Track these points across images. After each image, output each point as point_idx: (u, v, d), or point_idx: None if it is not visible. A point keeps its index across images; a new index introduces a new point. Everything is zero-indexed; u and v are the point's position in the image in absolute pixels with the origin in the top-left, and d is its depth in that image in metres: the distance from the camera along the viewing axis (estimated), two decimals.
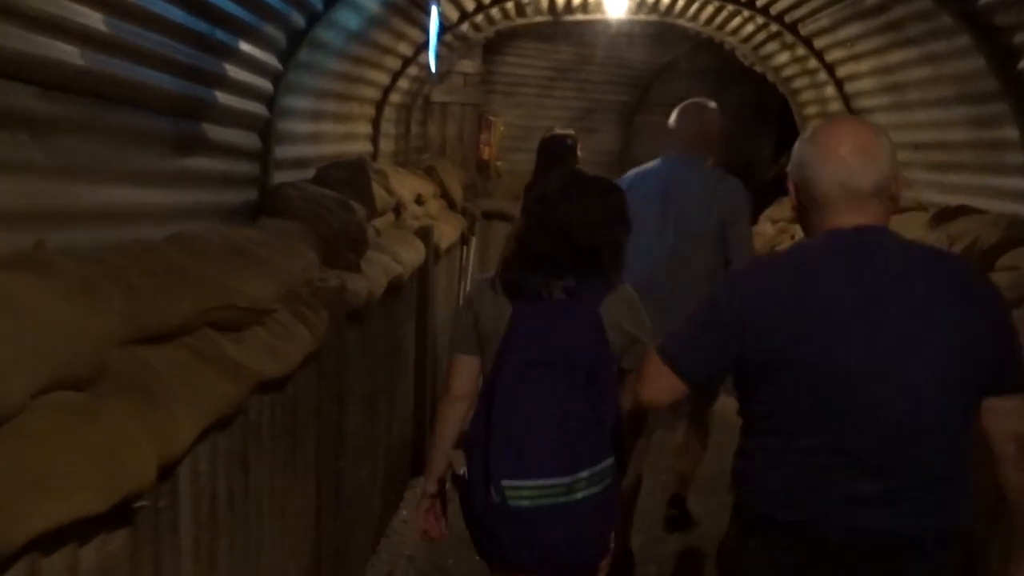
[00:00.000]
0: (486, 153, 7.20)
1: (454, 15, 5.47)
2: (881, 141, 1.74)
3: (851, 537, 1.71)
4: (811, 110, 5.75)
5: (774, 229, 6.05)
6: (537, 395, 2.17)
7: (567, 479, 2.14)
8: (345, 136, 4.51)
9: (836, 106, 5.23)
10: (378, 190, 4.02)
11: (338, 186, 3.59)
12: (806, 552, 1.75)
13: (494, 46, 7.04)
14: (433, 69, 4.50)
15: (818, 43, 4.92)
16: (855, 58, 4.60)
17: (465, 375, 2.37)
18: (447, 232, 5.30)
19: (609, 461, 2.22)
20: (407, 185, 4.75)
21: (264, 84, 3.18)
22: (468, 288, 6.40)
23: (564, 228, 2.22)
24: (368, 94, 4.80)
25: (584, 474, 2.16)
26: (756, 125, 8.78)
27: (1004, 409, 1.73)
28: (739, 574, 1.93)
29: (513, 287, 2.27)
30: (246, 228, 2.78)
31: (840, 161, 1.72)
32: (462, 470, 2.26)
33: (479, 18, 5.77)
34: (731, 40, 5.95)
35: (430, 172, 5.99)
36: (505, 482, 2.13)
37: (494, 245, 7.53)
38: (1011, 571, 1.76)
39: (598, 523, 2.27)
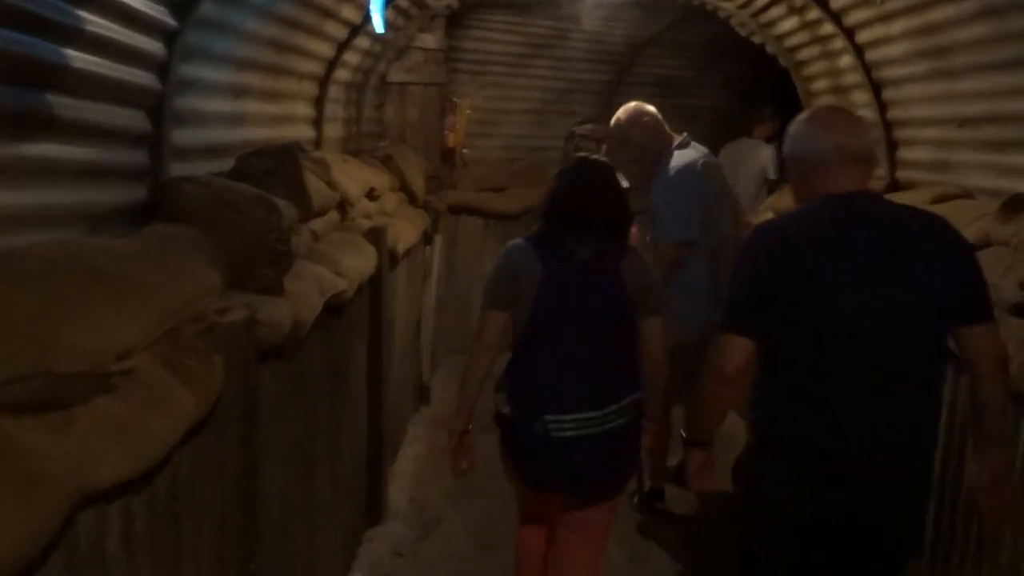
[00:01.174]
0: (451, 139, 6.43)
1: None
2: (865, 121, 2.15)
3: (848, 449, 2.11)
4: (820, 84, 5.05)
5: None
6: (571, 343, 2.57)
7: (599, 412, 2.54)
8: (278, 118, 3.73)
9: (854, 78, 4.53)
10: (316, 183, 3.25)
11: (261, 179, 2.83)
12: (811, 462, 2.12)
13: (459, 18, 6.26)
14: (380, 29, 3.73)
15: (835, 3, 4.21)
16: (884, 19, 3.89)
17: (497, 328, 2.67)
18: (406, 231, 4.53)
19: (634, 396, 2.64)
20: (356, 177, 3.97)
21: (151, 45, 2.39)
22: (434, 294, 5.65)
23: (593, 196, 2.66)
24: (308, 68, 4.01)
25: (613, 408, 2.56)
26: (749, 105, 8.07)
27: (979, 333, 2.11)
28: (754, 484, 2.26)
29: (548, 247, 2.63)
30: (115, 238, 2.00)
31: (837, 127, 2.14)
32: (505, 410, 2.65)
33: None
34: (727, 6, 5.22)
35: (387, 162, 5.21)
36: (548, 417, 2.52)
37: (463, 243, 6.77)
38: (974, 467, 2.18)
39: (626, 449, 2.67)
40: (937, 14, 3.43)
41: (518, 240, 2.73)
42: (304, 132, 4.13)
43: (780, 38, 5.15)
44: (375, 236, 3.65)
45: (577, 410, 2.54)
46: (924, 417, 2.20)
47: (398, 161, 5.28)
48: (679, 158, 3.85)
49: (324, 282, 2.72)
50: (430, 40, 5.99)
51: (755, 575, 2.32)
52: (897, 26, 3.85)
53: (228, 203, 2.38)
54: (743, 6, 5.13)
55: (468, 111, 6.49)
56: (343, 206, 3.63)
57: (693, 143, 4.00)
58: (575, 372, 2.58)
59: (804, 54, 5.03)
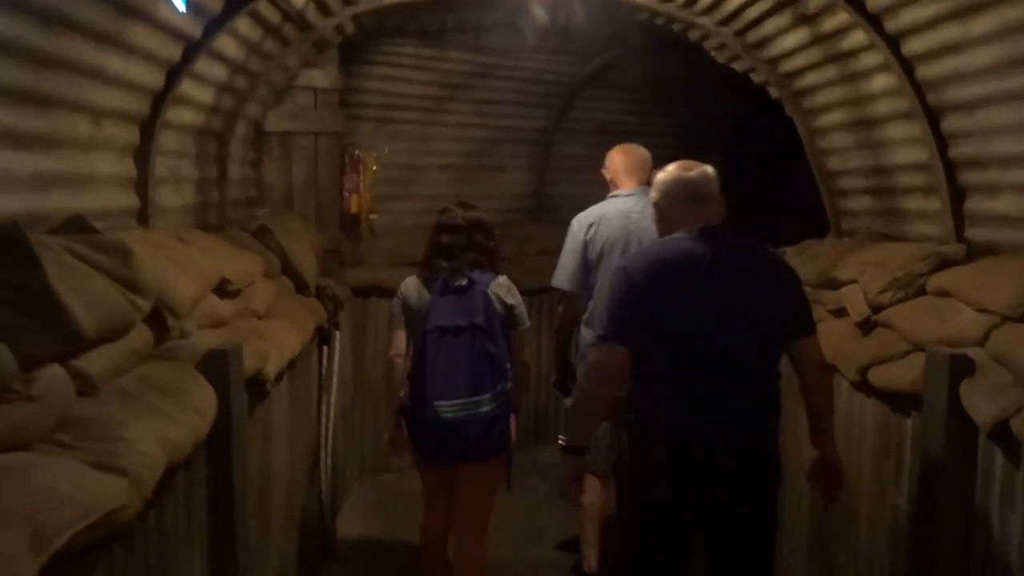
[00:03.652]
0: (354, 204, 5.04)
1: None
2: (710, 171, 2.68)
3: (706, 441, 2.52)
4: (833, 118, 3.87)
5: None
6: (451, 348, 3.28)
7: (473, 398, 3.26)
8: (52, 179, 2.29)
9: (892, 105, 3.36)
10: (95, 287, 1.84)
11: None
12: (675, 452, 2.54)
13: (357, 51, 4.93)
14: (180, 7, 2.33)
15: (873, 3, 3.05)
16: (959, 15, 2.72)
17: (402, 341, 3.42)
18: (285, 338, 3.10)
19: (500, 386, 3.33)
20: (195, 267, 2.55)
21: None
22: (335, 372, 4.23)
23: (466, 231, 3.40)
24: (112, 102, 2.59)
25: (485, 396, 3.27)
26: (697, 153, 6.96)
27: (804, 344, 2.64)
28: (630, 472, 2.68)
29: (432, 279, 3.36)
30: None
31: (688, 180, 2.66)
32: (407, 402, 3.36)
33: None
34: (703, 23, 4.04)
35: (262, 236, 3.79)
36: (436, 403, 3.25)
37: (374, 332, 5.34)
38: (809, 453, 2.74)
39: (496, 427, 3.32)
40: None
41: (410, 277, 3.47)
42: (114, 200, 2.70)
43: (774, 62, 3.98)
44: (216, 364, 2.22)
45: (456, 397, 3.24)
46: (767, 414, 2.63)
47: (278, 235, 3.87)
48: (588, 210, 3.89)
49: (54, 516, 1.28)
50: (320, 78, 4.64)
51: (629, 546, 2.71)
52: (979, 24, 2.68)
53: None
54: (725, 22, 3.95)
55: (374, 167, 5.13)
56: (160, 318, 2.20)
57: (620, 196, 3.87)
58: (454, 370, 3.26)
59: (809, 80, 3.86)
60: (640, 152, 3.98)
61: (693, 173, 2.66)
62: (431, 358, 3.27)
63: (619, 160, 3.96)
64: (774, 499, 2.72)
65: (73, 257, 1.95)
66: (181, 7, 2.19)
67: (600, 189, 5.88)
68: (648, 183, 3.84)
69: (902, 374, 2.81)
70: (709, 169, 2.69)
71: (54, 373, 1.62)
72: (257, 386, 2.69)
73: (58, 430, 1.56)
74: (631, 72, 6.12)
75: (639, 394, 2.61)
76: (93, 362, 1.83)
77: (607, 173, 3.99)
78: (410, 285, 3.41)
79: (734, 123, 6.83)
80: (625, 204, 3.83)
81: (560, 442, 2.86)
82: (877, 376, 2.94)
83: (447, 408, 3.23)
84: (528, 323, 3.46)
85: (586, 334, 3.77)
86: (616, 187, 3.94)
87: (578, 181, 6.54)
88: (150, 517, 1.76)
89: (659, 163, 6.71)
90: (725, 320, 2.50)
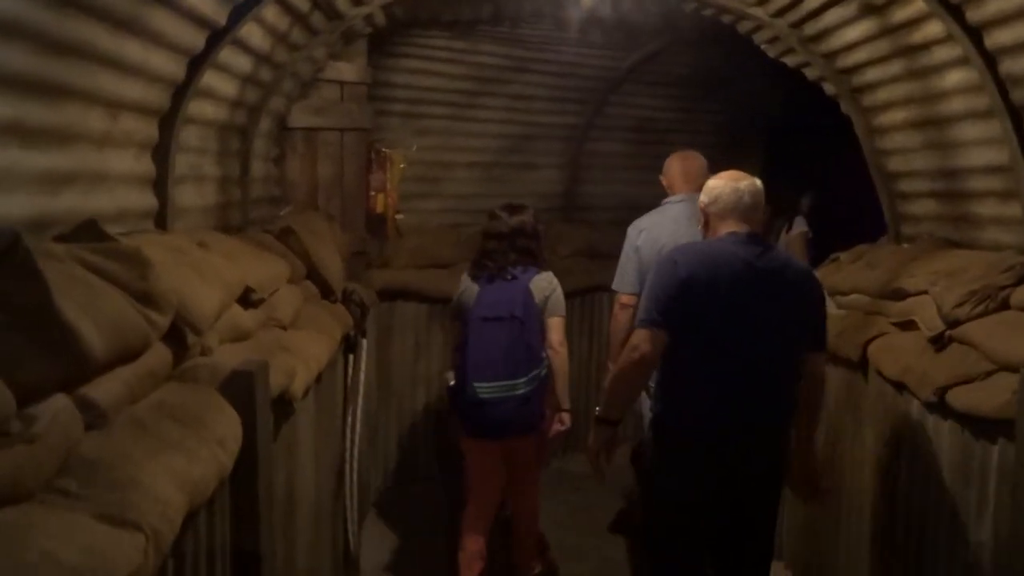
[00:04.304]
0: (380, 203, 4.83)
1: None
2: (758, 184, 2.88)
3: (726, 433, 2.75)
4: (896, 116, 3.62)
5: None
6: (492, 335, 3.61)
7: (509, 381, 3.58)
8: (63, 178, 2.08)
9: (970, 102, 3.10)
10: (106, 303, 1.63)
11: None
12: (698, 452, 2.78)
13: (386, 43, 4.71)
14: None
15: None
16: None
17: (458, 331, 3.80)
18: (311, 350, 2.88)
19: (535, 372, 3.63)
20: (217, 276, 2.34)
21: None
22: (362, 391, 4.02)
23: (508, 238, 3.74)
24: (130, 93, 2.38)
25: (521, 380, 3.59)
26: (738, 153, 6.70)
27: (814, 358, 2.87)
28: (651, 472, 2.98)
29: (480, 274, 3.75)
30: None
31: (738, 190, 2.83)
32: (452, 382, 3.75)
33: None
34: (757, 14, 3.79)
35: (286, 238, 3.58)
36: (476, 384, 3.59)
37: (400, 337, 5.13)
38: (794, 464, 2.94)
39: (528, 407, 3.65)
40: None
41: (465, 273, 3.87)
42: (130, 200, 2.49)
43: (832, 56, 3.73)
44: (241, 386, 2.00)
45: (494, 379, 3.59)
46: (787, 421, 2.88)
47: (303, 237, 3.66)
48: (643, 216, 3.94)
49: None
50: (348, 71, 4.42)
51: (656, 544, 3.01)
52: None
53: None
54: (781, 13, 3.70)
55: (401, 165, 4.90)
56: (179, 333, 1.98)
57: (672, 203, 3.90)
58: (493, 355, 3.61)
59: (872, 75, 3.60)
60: (698, 160, 3.96)
61: (744, 184, 2.85)
62: (474, 344, 3.64)
63: (677, 167, 3.94)
64: (779, 495, 3.06)
65: (83, 268, 1.74)
66: None
67: (633, 189, 5.65)
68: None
69: (988, 397, 2.55)
70: (758, 182, 2.89)
71: (59, 405, 1.41)
72: (283, 404, 2.48)
73: (63, 474, 1.35)
74: (671, 67, 5.87)
75: (666, 387, 2.87)
76: (104, 389, 1.62)
77: (664, 179, 3.99)
78: (463, 280, 3.85)
79: (776, 122, 6.56)
80: (676, 211, 3.81)
81: (596, 412, 2.97)
82: (958, 398, 2.68)
83: (485, 389, 3.59)
84: (562, 313, 3.74)
85: None
86: (672, 194, 3.94)
87: (611, 180, 6.32)
88: (168, 568, 1.54)
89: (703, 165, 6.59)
90: (758, 326, 2.73)
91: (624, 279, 3.89)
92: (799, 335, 2.83)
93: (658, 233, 3.73)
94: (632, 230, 3.91)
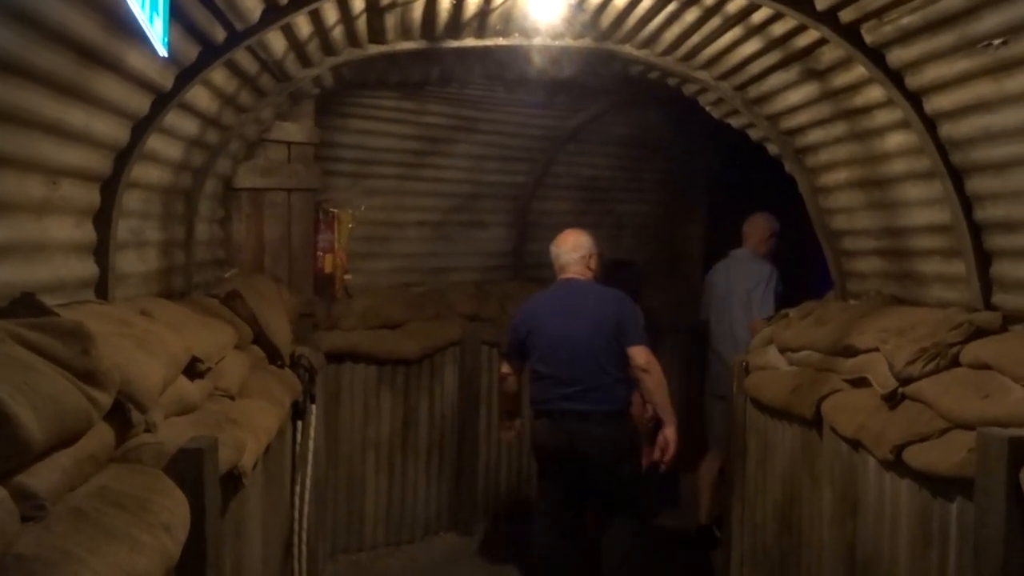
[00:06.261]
0: (329, 263, 4.75)
1: (278, 45, 3.15)
2: (584, 237, 4.16)
3: (563, 413, 3.85)
4: (839, 176, 3.70)
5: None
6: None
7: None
8: (0, 250, 1.98)
9: (911, 164, 3.19)
10: (51, 384, 1.53)
11: None
12: (549, 422, 3.91)
13: (333, 103, 4.69)
14: (162, 51, 2.03)
15: (895, 58, 2.88)
16: (993, 71, 2.55)
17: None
18: (260, 423, 2.77)
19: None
20: (163, 348, 2.23)
21: None
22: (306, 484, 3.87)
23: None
24: (75, 161, 2.30)
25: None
26: (683, 208, 6.80)
27: (631, 352, 3.83)
28: (533, 435, 4.06)
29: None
30: None
31: (562, 247, 4.16)
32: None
33: (311, 46, 3.42)
34: (702, 77, 3.87)
35: (232, 302, 3.48)
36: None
37: (349, 400, 5.00)
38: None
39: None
40: None
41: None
42: (70, 270, 2.38)
43: (775, 118, 3.82)
44: (189, 465, 1.90)
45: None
46: (602, 394, 3.85)
47: (249, 300, 3.56)
48: None
49: None
50: (295, 131, 4.38)
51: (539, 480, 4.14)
52: (1016, 81, 2.51)
53: None
54: (725, 76, 3.78)
55: (350, 225, 4.85)
56: (122, 410, 1.88)
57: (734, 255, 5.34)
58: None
59: (815, 137, 3.69)
60: (765, 220, 5.24)
61: (569, 240, 4.23)
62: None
63: (747, 226, 5.26)
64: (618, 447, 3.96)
65: (21, 346, 1.64)
66: (162, 50, 1.91)
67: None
68: (760, 247, 5.17)
69: (945, 455, 2.57)
70: (581, 234, 4.25)
71: None
72: (232, 481, 2.37)
73: None
74: (615, 127, 5.95)
75: (532, 385, 4.10)
76: (42, 476, 1.51)
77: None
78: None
79: (718, 178, 6.69)
80: (730, 261, 5.28)
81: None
82: (915, 457, 2.69)
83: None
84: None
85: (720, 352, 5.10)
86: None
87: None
88: None
89: (643, 218, 6.68)
90: (570, 336, 3.97)
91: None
92: (605, 337, 3.86)
93: (715, 278, 5.43)
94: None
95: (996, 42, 2.47)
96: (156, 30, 1.83)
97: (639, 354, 3.82)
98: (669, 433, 3.86)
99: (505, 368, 4.17)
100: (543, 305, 4.00)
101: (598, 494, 3.95)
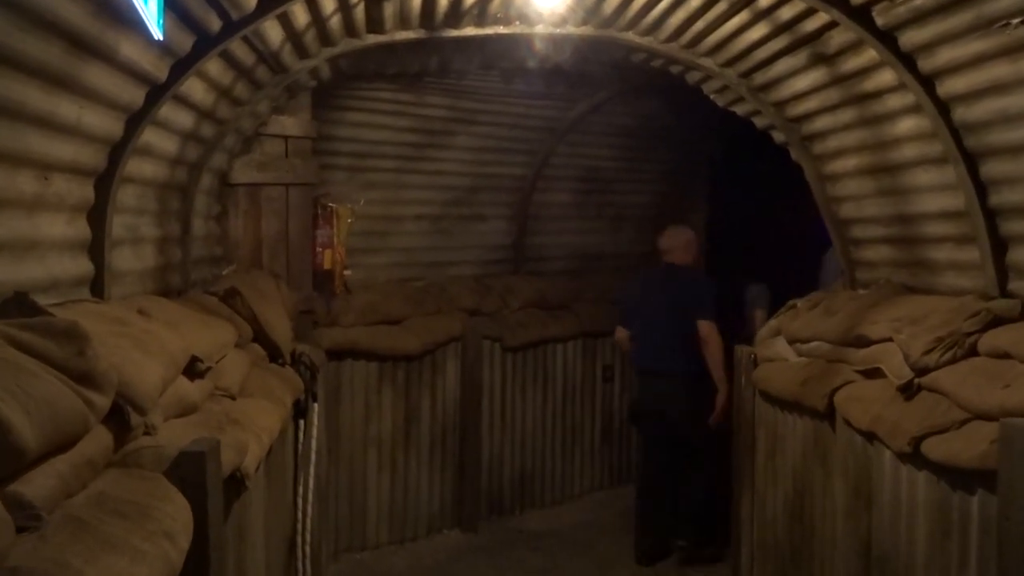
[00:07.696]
0: (328, 259, 4.68)
1: (275, 36, 3.07)
2: (683, 230, 5.16)
3: (650, 372, 4.97)
4: (847, 163, 3.63)
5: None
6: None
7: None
8: None
9: (923, 149, 3.13)
10: (45, 387, 1.46)
11: None
12: (641, 379, 5.14)
13: (330, 96, 4.60)
14: (157, 34, 1.96)
15: (907, 41, 2.81)
16: (1009, 52, 2.49)
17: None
18: (262, 423, 2.70)
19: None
20: (161, 347, 2.16)
21: None
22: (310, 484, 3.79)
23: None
24: (67, 155, 2.22)
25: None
26: (684, 198, 6.73)
27: (699, 325, 4.72)
28: (633, 389, 5.82)
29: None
30: None
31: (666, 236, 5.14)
32: None
33: (308, 36, 3.34)
34: (706, 65, 3.80)
35: (231, 300, 3.41)
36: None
37: (349, 398, 4.94)
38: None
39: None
40: None
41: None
42: (64, 268, 2.31)
43: (782, 105, 3.75)
44: (190, 469, 1.83)
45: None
46: (681, 356, 4.79)
47: (249, 298, 3.49)
48: None
49: None
50: (292, 125, 4.30)
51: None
52: None
53: None
54: (731, 63, 3.71)
55: (349, 219, 4.78)
56: (121, 413, 1.81)
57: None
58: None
59: (822, 124, 3.62)
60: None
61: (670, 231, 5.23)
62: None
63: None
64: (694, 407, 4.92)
65: (13, 347, 1.57)
66: (157, 33, 1.83)
67: (582, 238, 5.73)
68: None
69: (965, 447, 2.50)
70: (680, 227, 5.19)
71: None
72: (234, 483, 2.30)
73: None
74: (616, 117, 5.88)
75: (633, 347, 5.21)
76: (37, 484, 1.45)
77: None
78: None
79: (721, 166, 6.62)
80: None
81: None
82: (933, 449, 2.63)
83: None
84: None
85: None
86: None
87: (560, 230, 6.27)
88: None
89: (644, 209, 6.59)
90: (659, 312, 4.96)
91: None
92: (683, 312, 4.77)
93: None
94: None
95: (1015, 21, 2.40)
96: (151, 11, 1.75)
97: (702, 327, 4.72)
98: (720, 396, 4.70)
99: (619, 333, 5.20)
100: (644, 283, 5.05)
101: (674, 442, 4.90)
